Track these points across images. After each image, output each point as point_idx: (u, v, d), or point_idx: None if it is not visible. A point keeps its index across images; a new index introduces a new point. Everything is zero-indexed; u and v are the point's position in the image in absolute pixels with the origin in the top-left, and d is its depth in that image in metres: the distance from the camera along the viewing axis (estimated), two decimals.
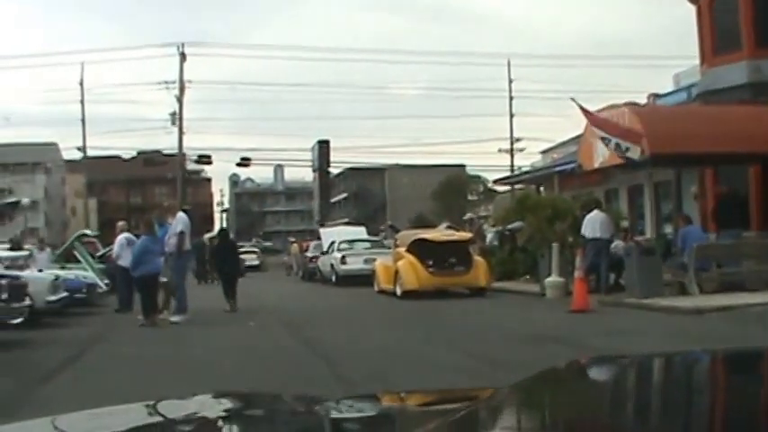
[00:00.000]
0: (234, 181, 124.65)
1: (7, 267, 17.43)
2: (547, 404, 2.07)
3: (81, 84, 58.52)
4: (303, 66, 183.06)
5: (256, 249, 60.31)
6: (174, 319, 16.88)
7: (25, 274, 16.34)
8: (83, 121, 57.69)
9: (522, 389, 2.09)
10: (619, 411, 1.87)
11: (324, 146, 59.43)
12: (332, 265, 30.86)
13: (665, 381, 2.21)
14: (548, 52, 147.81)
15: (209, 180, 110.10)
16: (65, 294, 17.41)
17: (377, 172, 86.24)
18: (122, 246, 19.46)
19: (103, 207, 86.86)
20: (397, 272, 22.95)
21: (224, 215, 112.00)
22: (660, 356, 2.48)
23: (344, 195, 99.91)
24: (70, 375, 10.38)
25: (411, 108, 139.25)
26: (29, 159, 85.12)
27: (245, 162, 54.40)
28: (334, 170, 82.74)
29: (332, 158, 61.19)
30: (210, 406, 2.27)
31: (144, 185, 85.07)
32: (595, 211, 20.46)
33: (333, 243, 32.41)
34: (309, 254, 37.76)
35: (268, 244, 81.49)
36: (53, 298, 16.50)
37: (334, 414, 2.16)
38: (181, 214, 18.02)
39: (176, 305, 17.34)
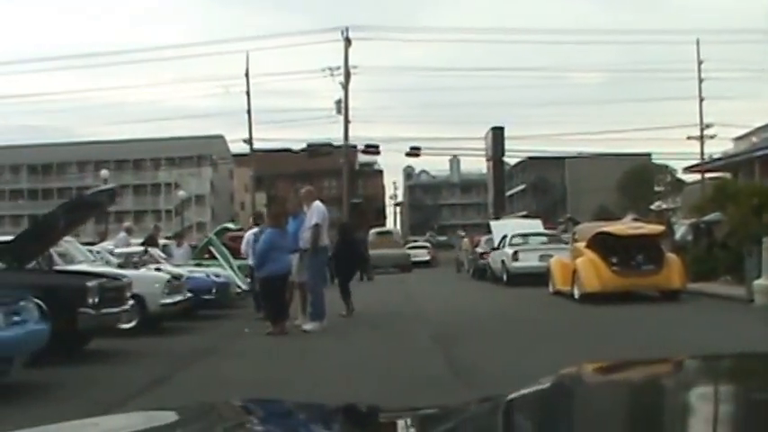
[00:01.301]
0: (408, 173, 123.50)
1: (120, 266, 15.53)
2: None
3: (246, 75, 57.27)
4: (475, 49, 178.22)
5: (427, 244, 58.54)
6: (308, 327, 14.45)
7: (136, 273, 14.38)
8: (248, 112, 56.57)
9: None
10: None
11: (498, 133, 56.04)
12: (503, 262, 28.11)
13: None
14: (742, 27, 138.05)
15: (380, 172, 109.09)
16: (187, 296, 15.32)
17: (557, 162, 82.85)
18: (248, 242, 17.11)
19: (272, 201, 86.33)
20: (575, 271, 19.97)
21: (397, 209, 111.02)
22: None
23: (522, 187, 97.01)
24: (143, 404, 8.28)
25: (592, 93, 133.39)
26: (194, 153, 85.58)
27: (414, 152, 52.28)
28: (511, 160, 79.98)
29: (507, 147, 57.88)
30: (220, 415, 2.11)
31: (313, 178, 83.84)
32: None
33: (504, 237, 29.66)
34: (480, 249, 35.02)
35: (443, 238, 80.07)
36: (169, 300, 14.39)
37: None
38: (317, 203, 15.37)
39: (311, 311, 14.89)
